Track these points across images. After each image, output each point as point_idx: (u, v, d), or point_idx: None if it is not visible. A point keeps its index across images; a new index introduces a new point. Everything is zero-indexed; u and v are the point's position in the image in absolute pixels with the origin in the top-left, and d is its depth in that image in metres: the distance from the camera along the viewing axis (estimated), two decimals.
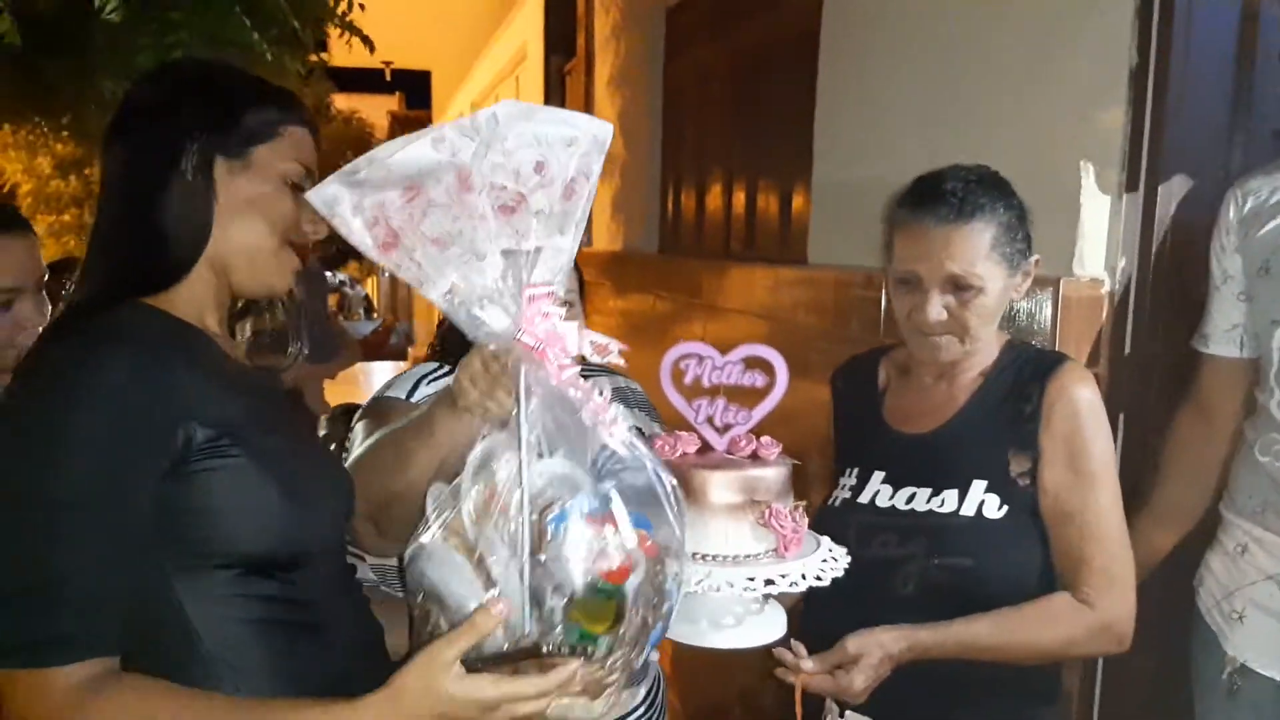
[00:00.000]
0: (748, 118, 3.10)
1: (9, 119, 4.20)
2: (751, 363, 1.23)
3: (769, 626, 1.23)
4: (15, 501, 0.91)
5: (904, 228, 1.38)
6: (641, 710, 1.61)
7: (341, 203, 0.94)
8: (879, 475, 1.45)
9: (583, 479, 0.97)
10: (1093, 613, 1.32)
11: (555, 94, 5.69)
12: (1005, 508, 1.35)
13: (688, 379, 1.21)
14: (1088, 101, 1.65)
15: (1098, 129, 1.64)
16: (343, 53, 5.31)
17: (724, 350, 1.23)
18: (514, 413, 1.00)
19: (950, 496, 1.38)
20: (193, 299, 1.06)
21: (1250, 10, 1.61)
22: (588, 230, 4.84)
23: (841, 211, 2.45)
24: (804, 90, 2.56)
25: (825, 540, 1.25)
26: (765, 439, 1.23)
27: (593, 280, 4.67)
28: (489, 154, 0.89)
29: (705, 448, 1.24)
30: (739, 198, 3.17)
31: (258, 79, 1.13)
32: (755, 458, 1.22)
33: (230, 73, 1.13)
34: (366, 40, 3.08)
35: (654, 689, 1.64)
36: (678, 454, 1.21)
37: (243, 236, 1.07)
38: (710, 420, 1.23)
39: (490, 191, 0.90)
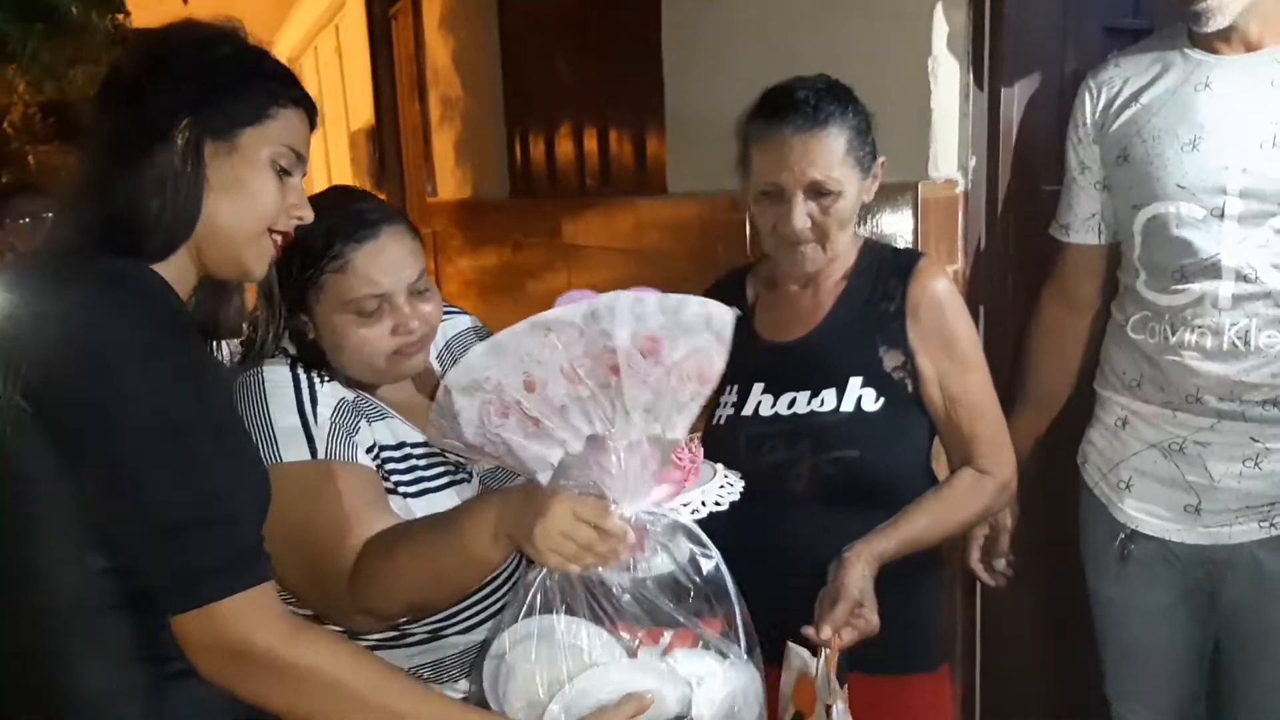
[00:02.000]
0: (592, 52, 3.04)
1: None
2: None
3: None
4: (157, 435, 0.90)
5: (761, 141, 1.40)
6: None
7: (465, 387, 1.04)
8: (759, 386, 1.48)
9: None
10: (994, 479, 1.45)
11: (381, 40, 5.44)
12: (881, 399, 1.42)
13: None
14: (931, 5, 1.69)
15: (942, 32, 1.69)
16: (148, 11, 4.92)
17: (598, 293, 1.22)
18: None
19: (829, 395, 1.43)
20: (168, 277, 1.01)
21: None
22: (431, 180, 4.71)
23: (697, 138, 2.45)
24: (649, 18, 2.53)
25: (719, 467, 1.24)
26: None
27: (443, 231, 4.56)
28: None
29: None
30: (590, 134, 3.13)
31: (256, 52, 1.07)
32: None
33: (226, 43, 1.06)
34: None
35: None
36: None
37: (224, 219, 1.03)
38: None
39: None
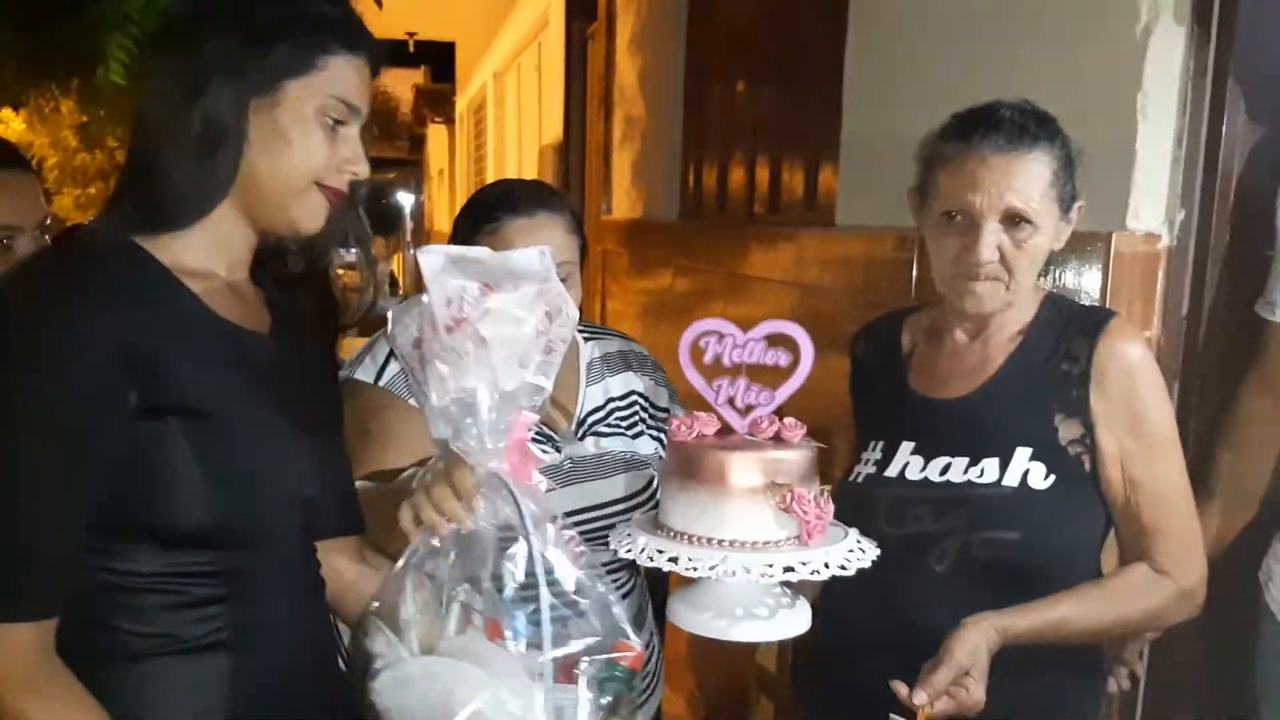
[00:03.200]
0: (773, 78, 2.95)
1: (25, 87, 4.14)
2: (775, 339, 1.15)
3: (788, 620, 1.14)
4: None
5: (953, 160, 1.27)
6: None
7: (442, 270, 0.96)
8: (907, 446, 1.34)
9: None
10: (1173, 582, 1.25)
11: (577, 60, 5.55)
12: (1052, 476, 1.25)
13: (707, 358, 1.14)
14: (1144, 34, 1.49)
15: (1155, 69, 1.49)
16: (366, 23, 5.22)
17: (746, 326, 1.15)
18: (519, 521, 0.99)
19: (990, 466, 1.27)
20: (206, 244, 1.02)
21: None
22: (607, 198, 4.74)
23: (871, 172, 2.31)
24: (832, 48, 2.41)
25: (853, 531, 1.16)
26: (789, 420, 1.15)
27: (613, 250, 4.56)
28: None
29: (725, 429, 1.16)
30: (763, 161, 3.03)
31: (308, 6, 1.02)
32: (778, 439, 1.13)
33: (275, 3, 1.02)
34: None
35: (650, 659, 1.57)
36: (694, 435, 1.14)
37: (266, 174, 1.00)
38: (731, 401, 1.15)
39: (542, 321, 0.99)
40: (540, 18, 6.57)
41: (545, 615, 0.95)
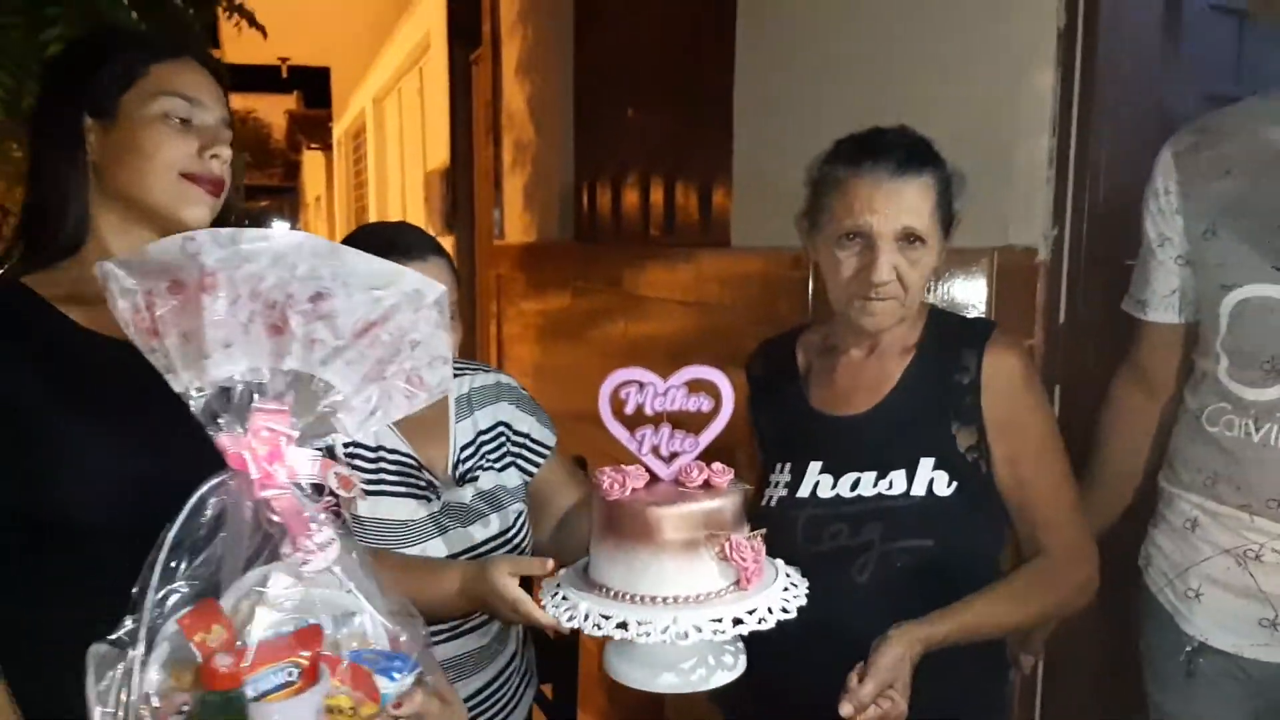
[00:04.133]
0: (663, 101, 3.01)
1: None
2: (694, 385, 1.15)
3: (733, 662, 1.15)
4: None
5: (846, 184, 1.32)
6: (498, 683, 1.54)
7: (113, 279, 0.92)
8: (815, 465, 1.38)
9: None
10: (1070, 573, 1.33)
11: (461, 85, 5.52)
12: (955, 483, 1.31)
13: (629, 408, 1.13)
14: (1016, 66, 1.61)
15: (1027, 94, 1.60)
16: (236, 49, 5.06)
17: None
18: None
19: (898, 478, 1.32)
20: (86, 269, 1.06)
21: None
22: (499, 223, 4.72)
23: (765, 192, 2.38)
24: (721, 69, 2.49)
25: (778, 563, 1.18)
26: (716, 465, 1.15)
27: (507, 274, 4.55)
28: (248, 267, 0.91)
29: (652, 479, 1.15)
30: (657, 182, 3.09)
31: (123, 30, 1.20)
32: (707, 486, 1.13)
33: (95, 34, 1.17)
34: (259, 26, 2.89)
35: (512, 659, 1.58)
36: (628, 492, 1.11)
37: (130, 184, 1.09)
38: (655, 449, 1.14)
39: (252, 305, 0.93)
40: (421, 43, 6.52)
41: None
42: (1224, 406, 1.33)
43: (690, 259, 2.65)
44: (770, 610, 1.07)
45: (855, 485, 1.34)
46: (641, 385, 1.12)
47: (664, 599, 1.05)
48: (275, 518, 0.92)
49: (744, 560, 1.08)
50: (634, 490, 1.12)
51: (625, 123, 3.33)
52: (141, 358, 1.01)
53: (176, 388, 0.92)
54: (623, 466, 1.13)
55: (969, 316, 1.50)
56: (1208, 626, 1.36)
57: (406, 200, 7.84)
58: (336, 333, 0.94)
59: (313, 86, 14.14)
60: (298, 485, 0.94)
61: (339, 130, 11.95)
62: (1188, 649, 1.38)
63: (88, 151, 1.09)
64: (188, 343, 0.92)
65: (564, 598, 1.12)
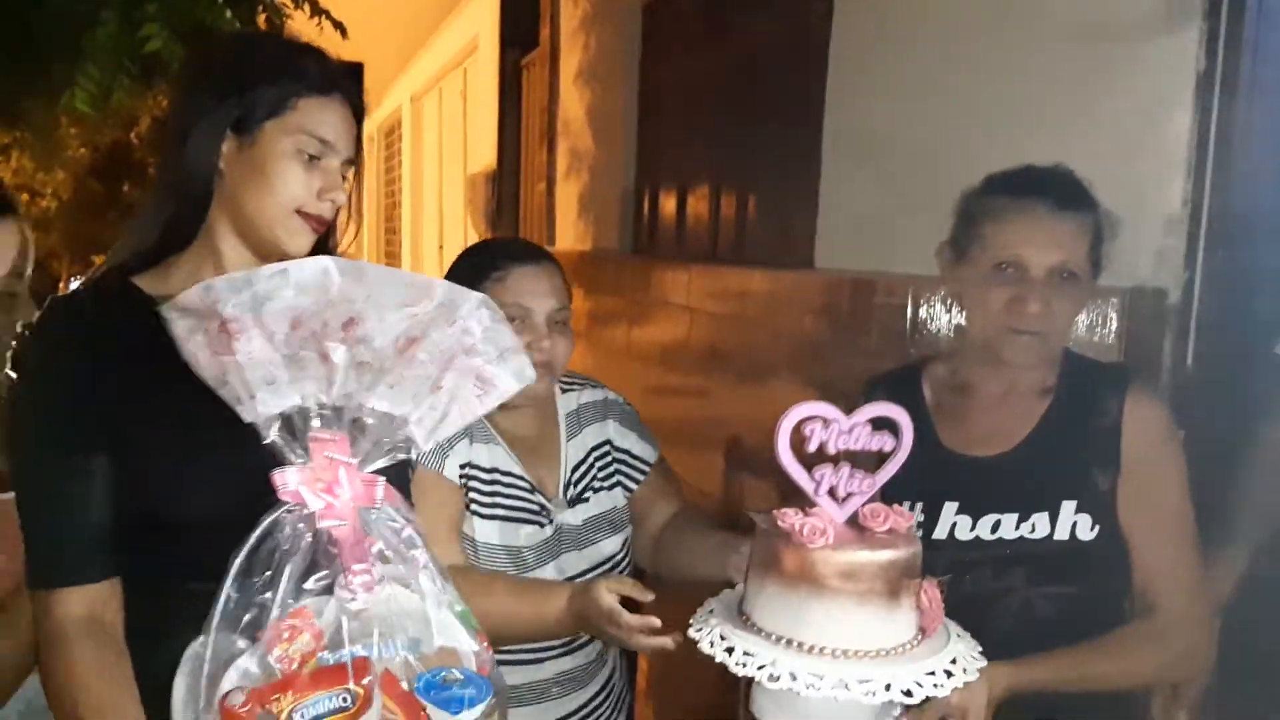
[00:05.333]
0: (740, 119, 3.00)
1: None
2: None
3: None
4: (15, 455, 1.09)
5: (1004, 215, 1.31)
6: (599, 699, 1.56)
7: (172, 324, 0.96)
8: (951, 506, 1.35)
9: None
10: (1178, 637, 1.28)
11: (511, 88, 5.52)
12: (1097, 528, 1.29)
13: (811, 445, 1.05)
14: (1154, 109, 1.59)
15: (1164, 136, 1.58)
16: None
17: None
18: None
19: (1040, 520, 1.30)
20: (203, 270, 1.14)
21: None
22: (550, 230, 4.73)
23: (852, 217, 2.37)
24: (811, 92, 2.47)
25: (950, 624, 1.12)
26: (898, 508, 1.09)
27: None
28: (272, 304, 0.92)
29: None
30: (728, 198, 3.07)
31: (294, 50, 1.17)
32: (890, 533, 1.06)
33: (260, 49, 1.18)
34: (339, 26, 2.90)
35: (611, 676, 1.59)
36: (830, 539, 1.04)
37: (249, 206, 1.13)
38: (831, 491, 1.08)
39: (296, 336, 0.94)
40: (468, 44, 6.52)
41: None
42: None
43: (769, 278, 2.63)
44: (965, 668, 1.03)
45: (995, 528, 1.32)
46: (826, 422, 1.06)
47: (845, 651, 1.01)
48: (333, 549, 0.91)
49: (931, 606, 1.06)
50: (826, 539, 1.04)
51: (693, 138, 3.33)
52: None
53: (247, 419, 0.93)
54: (806, 510, 1.07)
55: (1103, 361, 1.48)
56: None
57: (444, 200, 7.84)
58: (376, 355, 0.94)
59: None
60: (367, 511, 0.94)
61: (371, 126, 11.94)
62: None
63: (221, 160, 1.13)
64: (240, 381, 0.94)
65: (721, 636, 1.08)
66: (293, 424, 0.92)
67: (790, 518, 1.05)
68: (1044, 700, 1.23)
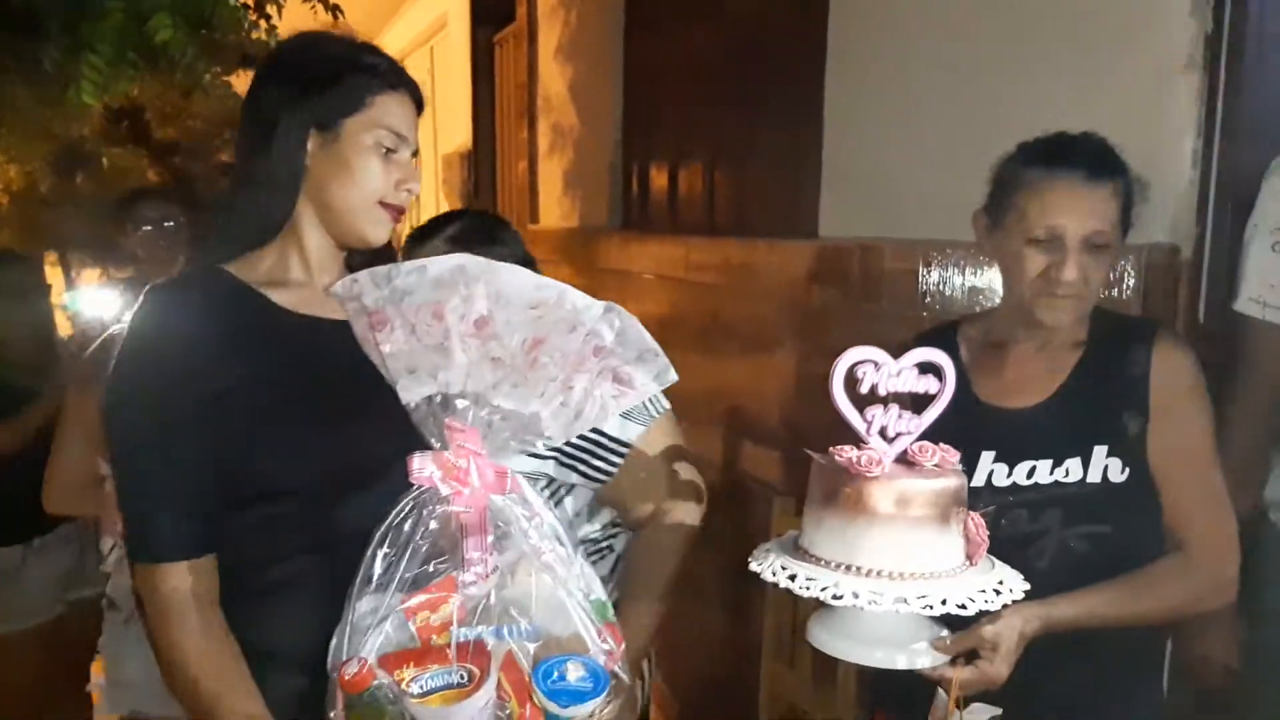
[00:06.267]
0: (735, 91, 3.02)
1: None
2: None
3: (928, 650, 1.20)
4: (120, 437, 1.14)
5: (1040, 185, 1.35)
6: None
7: (343, 302, 1.08)
8: (988, 455, 1.41)
9: None
10: (1205, 571, 1.36)
11: (484, 66, 5.49)
12: (1127, 470, 1.36)
13: (863, 387, 1.13)
14: (1164, 69, 1.64)
15: (1174, 97, 1.64)
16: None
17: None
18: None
19: (1074, 465, 1.37)
20: (290, 257, 1.22)
21: None
22: (534, 208, 4.71)
23: (858, 185, 2.41)
24: (810, 62, 2.50)
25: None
26: (944, 446, 1.18)
27: (548, 259, 4.54)
28: (411, 298, 1.00)
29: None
30: (725, 170, 3.10)
31: (354, 48, 1.22)
32: (937, 468, 1.16)
33: (326, 45, 1.22)
34: (333, 9, 2.87)
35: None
36: (887, 468, 1.13)
37: (335, 198, 1.19)
38: (882, 430, 1.16)
39: (436, 327, 1.00)
40: (435, 22, 6.45)
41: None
42: None
43: (772, 249, 2.67)
44: (1010, 588, 1.12)
45: (1031, 474, 1.38)
46: (877, 365, 1.14)
47: (911, 574, 1.09)
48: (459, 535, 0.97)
49: (979, 533, 1.13)
50: (883, 469, 1.13)
51: (684, 110, 3.34)
52: (332, 335, 1.19)
53: (404, 399, 0.98)
54: (860, 447, 1.15)
55: (1131, 316, 1.54)
56: None
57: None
58: (507, 352, 1.00)
59: None
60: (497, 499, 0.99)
61: None
62: None
63: (307, 156, 1.19)
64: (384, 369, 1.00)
65: (782, 566, 1.15)
66: (433, 411, 0.98)
67: (847, 452, 1.13)
68: (1078, 637, 1.29)
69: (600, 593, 1.02)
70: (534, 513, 0.99)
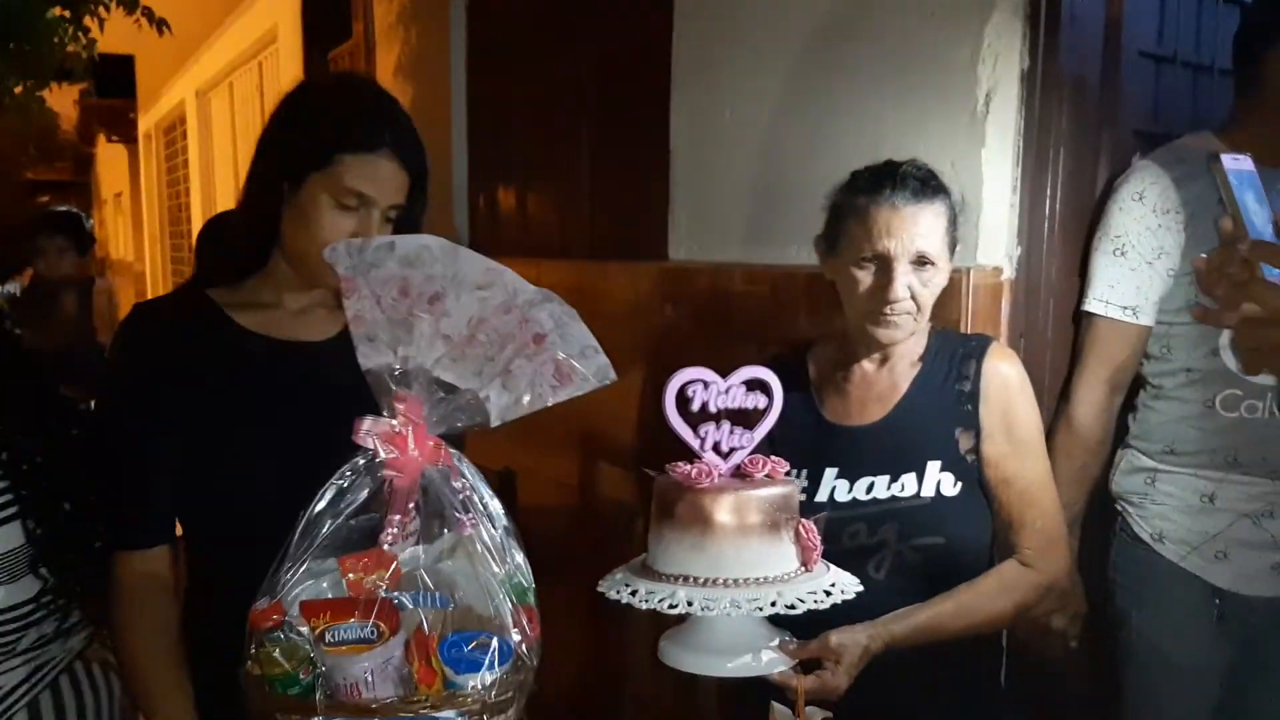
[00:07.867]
0: (579, 113, 3.04)
1: None
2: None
3: (774, 657, 1.25)
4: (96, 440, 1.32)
5: (866, 211, 1.43)
6: None
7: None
8: (831, 471, 1.48)
9: None
10: (1035, 573, 1.46)
11: None
12: (959, 484, 1.44)
13: (695, 405, 1.19)
14: (986, 103, 1.77)
15: (995, 129, 1.76)
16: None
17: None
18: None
19: (909, 480, 1.45)
20: (268, 285, 1.35)
21: (1114, 15, 1.81)
22: None
23: (705, 208, 2.47)
24: (654, 84, 2.55)
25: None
26: (775, 459, 1.25)
27: None
28: (378, 271, 1.07)
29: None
30: (574, 195, 3.11)
31: (339, 105, 1.29)
32: (769, 478, 1.22)
33: (311, 100, 1.33)
34: (158, 24, 2.72)
35: None
36: (716, 479, 1.20)
37: (294, 243, 1.29)
38: (715, 446, 1.22)
39: (401, 302, 1.07)
40: (263, 36, 6.20)
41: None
42: (1236, 394, 1.62)
43: (626, 271, 2.70)
44: (842, 589, 1.19)
45: (870, 489, 1.46)
46: (706, 384, 1.19)
47: (746, 580, 1.15)
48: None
49: (810, 540, 1.19)
50: (711, 477, 1.19)
51: (532, 132, 3.34)
52: (295, 356, 1.32)
53: (363, 365, 1.06)
54: (698, 462, 1.21)
55: (968, 333, 1.65)
56: (1235, 580, 1.68)
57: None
58: (453, 329, 1.05)
59: (108, 75, 12.98)
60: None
61: (148, 123, 11.11)
62: (1218, 601, 1.69)
63: (282, 202, 1.27)
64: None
65: (626, 584, 1.19)
66: (384, 380, 1.06)
67: (682, 468, 1.19)
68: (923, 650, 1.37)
69: (523, 577, 1.07)
70: (469, 489, 1.06)
